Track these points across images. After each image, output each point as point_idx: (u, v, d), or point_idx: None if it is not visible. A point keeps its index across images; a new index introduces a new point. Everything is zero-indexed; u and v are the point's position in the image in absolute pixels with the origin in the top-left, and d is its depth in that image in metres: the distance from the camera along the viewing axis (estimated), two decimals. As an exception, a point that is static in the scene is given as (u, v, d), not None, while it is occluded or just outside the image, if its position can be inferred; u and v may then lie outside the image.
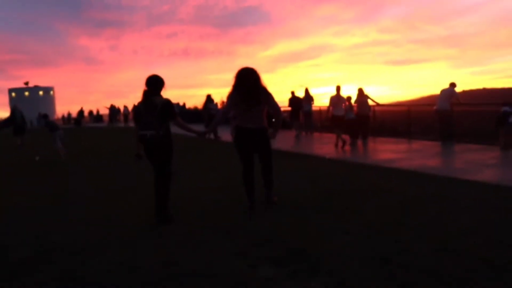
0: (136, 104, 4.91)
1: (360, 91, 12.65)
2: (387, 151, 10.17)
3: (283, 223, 4.48)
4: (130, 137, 18.29)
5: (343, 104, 11.36)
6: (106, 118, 39.83)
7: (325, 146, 12.06)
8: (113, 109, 35.28)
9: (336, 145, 11.09)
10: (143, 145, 4.61)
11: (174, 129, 4.86)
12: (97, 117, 46.30)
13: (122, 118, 34.87)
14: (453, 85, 11.32)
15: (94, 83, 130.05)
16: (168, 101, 4.61)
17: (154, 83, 4.63)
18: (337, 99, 11.33)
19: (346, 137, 11.42)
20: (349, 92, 16.75)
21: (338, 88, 11.44)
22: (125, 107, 34.04)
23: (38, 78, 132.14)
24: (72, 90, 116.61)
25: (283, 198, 5.49)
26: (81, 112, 43.51)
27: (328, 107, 11.73)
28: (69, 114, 47.75)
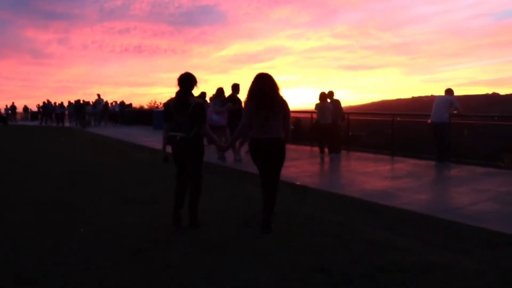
0: (166, 102, 4.62)
1: (320, 95, 10.29)
2: (373, 175, 7.80)
3: None
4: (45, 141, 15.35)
5: None
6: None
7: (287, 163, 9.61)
8: (46, 106, 31.22)
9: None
10: (171, 146, 4.44)
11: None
12: (33, 114, 41.75)
13: (54, 116, 30.76)
14: (450, 92, 9.15)
15: (41, 78, 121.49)
16: (201, 103, 4.51)
17: (187, 81, 4.42)
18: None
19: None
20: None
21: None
22: (58, 104, 30.01)
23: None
24: (17, 84, 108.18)
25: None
26: (12, 107, 38.94)
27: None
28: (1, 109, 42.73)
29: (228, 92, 9.98)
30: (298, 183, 7.17)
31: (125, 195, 6.18)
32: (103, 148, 13.39)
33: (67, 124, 28.44)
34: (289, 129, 4.57)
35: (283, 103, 4.46)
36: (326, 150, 10.30)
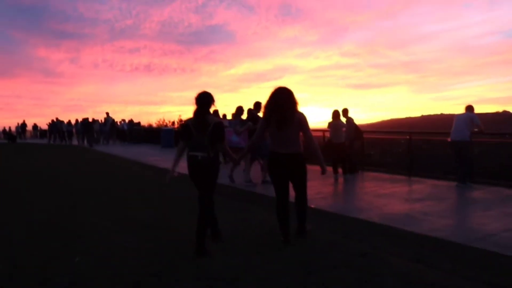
0: (185, 121, 4.47)
1: (334, 113, 9.90)
2: (392, 197, 7.33)
3: None
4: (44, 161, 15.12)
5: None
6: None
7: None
8: (55, 124, 31.09)
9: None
10: (189, 166, 4.25)
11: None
12: (42, 132, 41.80)
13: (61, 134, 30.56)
14: (470, 108, 8.69)
15: (52, 96, 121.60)
16: (220, 122, 4.37)
17: (205, 100, 4.30)
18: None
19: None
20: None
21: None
22: (66, 122, 29.86)
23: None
24: (28, 102, 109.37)
25: None
26: (23, 125, 39.05)
27: None
28: (11, 127, 42.80)
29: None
30: (312, 206, 6.72)
31: (128, 218, 5.78)
32: (109, 167, 13.04)
33: (74, 142, 28.28)
34: (313, 142, 4.45)
35: (295, 116, 4.31)
36: (340, 170, 9.86)
